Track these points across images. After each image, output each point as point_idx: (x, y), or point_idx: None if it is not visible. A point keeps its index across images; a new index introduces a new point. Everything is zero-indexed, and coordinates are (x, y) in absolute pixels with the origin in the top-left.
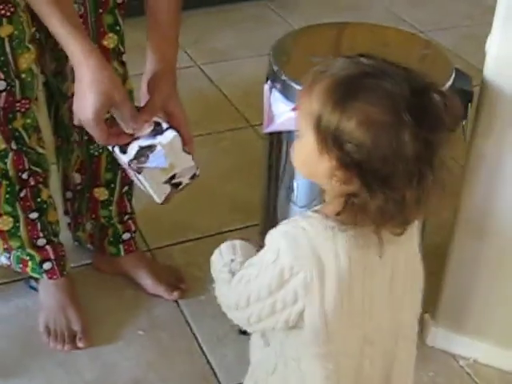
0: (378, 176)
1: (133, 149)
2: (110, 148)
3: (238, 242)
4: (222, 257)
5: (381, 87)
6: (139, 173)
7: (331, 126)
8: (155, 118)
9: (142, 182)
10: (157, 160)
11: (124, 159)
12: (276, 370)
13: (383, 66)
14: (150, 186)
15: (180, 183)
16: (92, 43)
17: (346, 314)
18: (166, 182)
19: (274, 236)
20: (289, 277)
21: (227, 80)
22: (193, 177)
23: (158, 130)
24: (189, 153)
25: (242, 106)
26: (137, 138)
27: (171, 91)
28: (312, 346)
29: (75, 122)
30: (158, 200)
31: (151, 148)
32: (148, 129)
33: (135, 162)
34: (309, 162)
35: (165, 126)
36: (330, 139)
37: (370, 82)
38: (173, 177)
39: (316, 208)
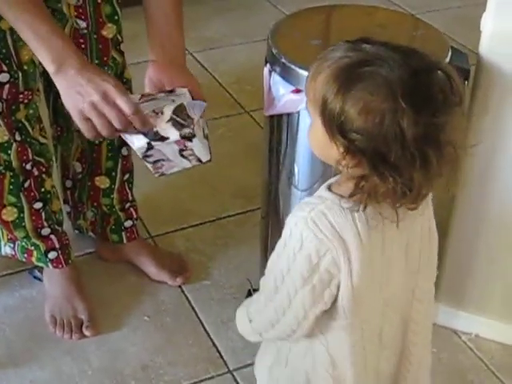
0: (385, 161)
1: (167, 126)
2: (143, 145)
3: None
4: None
5: (378, 75)
6: (193, 136)
7: (334, 115)
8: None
9: (189, 152)
10: (197, 109)
11: (173, 138)
12: (299, 341)
13: (381, 51)
14: (199, 148)
15: (207, 134)
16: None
17: (369, 285)
18: (204, 137)
19: (293, 224)
20: (318, 260)
21: (220, 67)
22: (206, 125)
23: (164, 97)
24: (195, 99)
25: (236, 93)
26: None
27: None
28: (340, 319)
29: (88, 137)
30: (208, 157)
31: (181, 107)
32: (160, 100)
33: (185, 129)
34: (321, 148)
35: (164, 92)
36: (334, 128)
37: (368, 70)
38: (203, 129)
39: (329, 184)
